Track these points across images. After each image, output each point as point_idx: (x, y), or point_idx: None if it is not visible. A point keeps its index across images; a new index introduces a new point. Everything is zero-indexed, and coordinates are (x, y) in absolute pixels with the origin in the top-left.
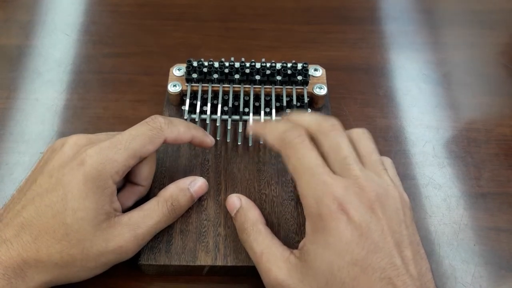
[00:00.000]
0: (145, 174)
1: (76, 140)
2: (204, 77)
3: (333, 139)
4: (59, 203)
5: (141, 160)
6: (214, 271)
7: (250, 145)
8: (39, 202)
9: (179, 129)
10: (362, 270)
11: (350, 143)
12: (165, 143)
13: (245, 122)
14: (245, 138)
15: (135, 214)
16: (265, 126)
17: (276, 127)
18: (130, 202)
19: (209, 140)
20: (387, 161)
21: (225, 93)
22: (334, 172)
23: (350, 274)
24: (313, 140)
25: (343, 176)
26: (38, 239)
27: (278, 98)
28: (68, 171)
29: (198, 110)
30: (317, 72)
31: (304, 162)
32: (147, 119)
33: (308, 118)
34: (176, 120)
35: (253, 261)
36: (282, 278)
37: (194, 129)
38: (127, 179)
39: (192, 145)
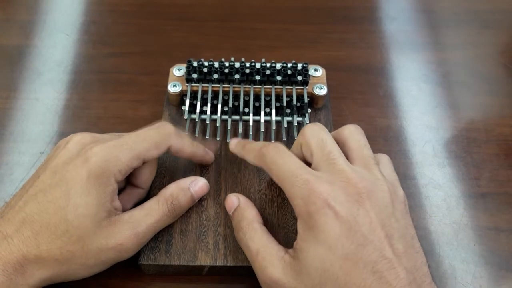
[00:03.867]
0: (146, 177)
1: (80, 138)
2: (204, 77)
3: (318, 135)
4: (61, 199)
5: (144, 163)
6: (214, 271)
7: None
8: (42, 198)
9: (184, 142)
10: (354, 264)
11: (342, 138)
12: (167, 153)
13: (245, 122)
14: (245, 138)
15: (136, 212)
16: (243, 146)
17: (254, 146)
18: (129, 205)
19: (209, 157)
20: (384, 157)
21: (225, 93)
22: (320, 169)
23: (343, 269)
24: (302, 147)
25: (328, 172)
26: (39, 235)
27: (278, 98)
28: (72, 167)
29: (198, 110)
30: (317, 72)
31: (285, 167)
32: (157, 124)
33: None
34: (183, 133)
35: (249, 259)
36: (277, 276)
37: (197, 146)
38: (127, 181)
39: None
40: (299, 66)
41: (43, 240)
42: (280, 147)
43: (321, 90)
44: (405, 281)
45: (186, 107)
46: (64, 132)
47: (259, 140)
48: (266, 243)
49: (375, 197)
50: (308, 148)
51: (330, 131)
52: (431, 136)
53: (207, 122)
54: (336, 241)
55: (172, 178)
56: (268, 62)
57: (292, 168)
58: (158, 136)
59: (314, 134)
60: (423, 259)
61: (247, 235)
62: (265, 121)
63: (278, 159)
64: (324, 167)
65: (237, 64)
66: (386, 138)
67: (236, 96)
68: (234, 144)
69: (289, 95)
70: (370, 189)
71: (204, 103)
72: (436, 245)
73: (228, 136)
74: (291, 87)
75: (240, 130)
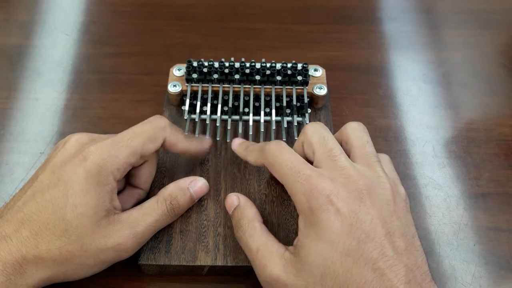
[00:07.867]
0: (145, 178)
1: (78, 138)
2: (204, 77)
3: (319, 133)
4: (60, 199)
5: (143, 160)
6: (214, 271)
7: None
8: (40, 198)
9: (178, 136)
10: (355, 261)
11: (345, 136)
12: (163, 148)
13: (245, 122)
14: (245, 138)
15: (135, 212)
16: (246, 148)
17: (256, 146)
18: (129, 205)
19: (204, 148)
20: (385, 157)
21: (225, 93)
22: (321, 166)
23: (343, 266)
24: (304, 146)
25: (330, 169)
26: (38, 235)
27: (278, 98)
28: (70, 167)
29: (198, 110)
30: (317, 72)
31: (287, 163)
32: (150, 118)
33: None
34: (177, 128)
35: (249, 258)
36: (277, 274)
37: (191, 142)
38: (127, 182)
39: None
40: (299, 66)
41: (42, 240)
42: (282, 144)
43: (321, 90)
44: (406, 278)
45: (186, 107)
46: (64, 132)
47: (259, 140)
48: (266, 241)
49: (376, 194)
50: (310, 146)
51: (330, 131)
52: (431, 136)
53: (207, 122)
54: (337, 237)
55: (172, 178)
56: (268, 62)
57: (294, 164)
58: (153, 129)
59: (316, 132)
60: (424, 258)
61: (246, 234)
62: (265, 121)
63: (280, 155)
64: (326, 164)
65: (237, 64)
66: (386, 138)
67: (236, 96)
68: (237, 144)
69: (289, 95)
70: (371, 186)
71: (204, 103)
72: (436, 245)
73: (228, 136)
74: (291, 87)
75: (240, 130)
